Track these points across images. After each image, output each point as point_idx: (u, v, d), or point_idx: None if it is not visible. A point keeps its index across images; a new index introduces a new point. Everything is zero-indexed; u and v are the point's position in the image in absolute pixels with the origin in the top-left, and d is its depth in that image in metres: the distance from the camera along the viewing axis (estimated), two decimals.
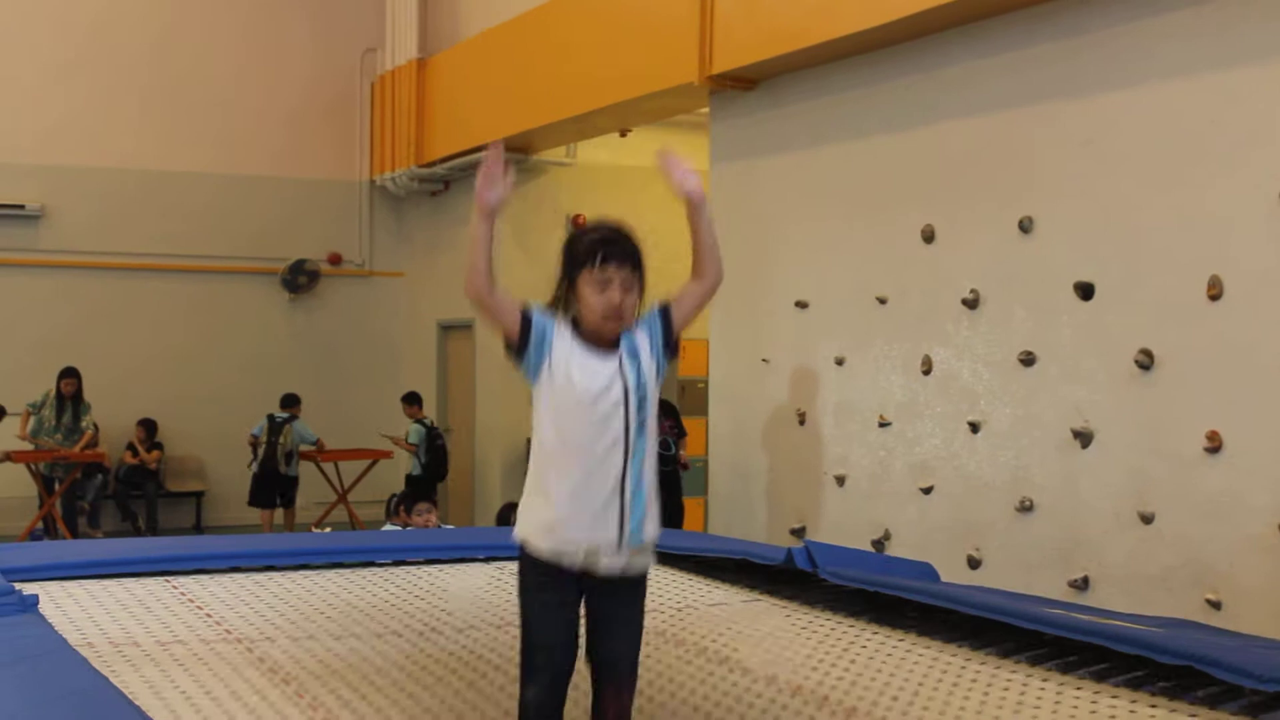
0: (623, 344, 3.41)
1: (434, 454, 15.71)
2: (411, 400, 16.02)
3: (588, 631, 3.41)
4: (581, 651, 3.40)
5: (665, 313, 3.49)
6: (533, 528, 3.37)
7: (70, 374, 15.17)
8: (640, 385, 3.38)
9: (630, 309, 3.41)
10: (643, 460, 3.37)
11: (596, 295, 3.37)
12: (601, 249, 3.40)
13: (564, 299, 3.46)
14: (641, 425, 3.37)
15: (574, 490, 3.31)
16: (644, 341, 3.44)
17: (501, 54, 14.75)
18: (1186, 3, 8.08)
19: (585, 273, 3.40)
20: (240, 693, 3.98)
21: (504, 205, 3.49)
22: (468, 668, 4.45)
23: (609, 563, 3.33)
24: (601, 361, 3.37)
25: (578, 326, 3.42)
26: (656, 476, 3.43)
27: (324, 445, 15.77)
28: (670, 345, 3.49)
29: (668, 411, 10.61)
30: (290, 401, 15.65)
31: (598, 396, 3.34)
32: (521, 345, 3.44)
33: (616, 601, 3.39)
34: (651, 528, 3.39)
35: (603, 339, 3.40)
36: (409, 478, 15.47)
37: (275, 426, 15.40)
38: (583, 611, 3.41)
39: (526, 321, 3.42)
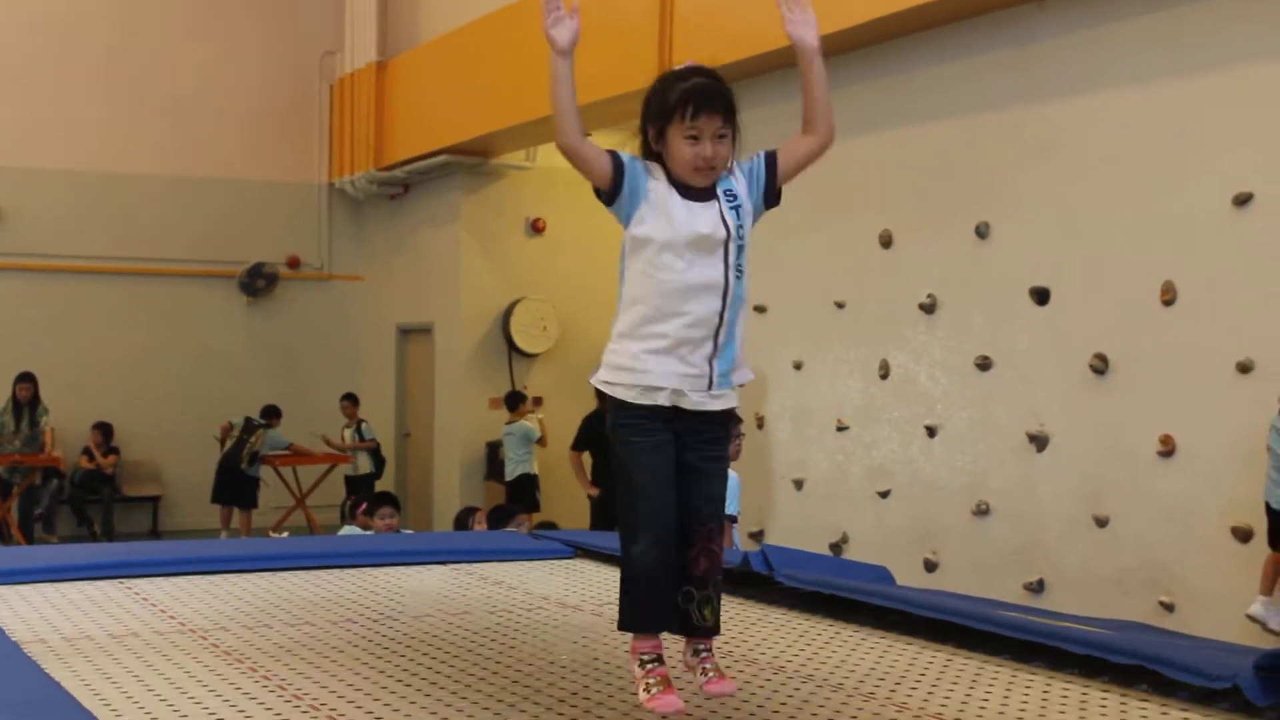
0: (720, 189, 3.33)
1: (375, 452, 15.88)
2: (355, 400, 16.06)
3: (678, 482, 3.32)
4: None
5: (771, 160, 3.40)
6: (621, 370, 3.30)
7: (26, 379, 15.10)
8: (740, 230, 3.32)
9: (723, 159, 3.31)
10: (740, 307, 3.32)
11: (687, 147, 3.28)
12: (694, 99, 3.29)
13: (653, 149, 3.36)
14: (740, 271, 3.31)
15: (672, 332, 3.25)
16: (743, 186, 3.37)
17: (461, 57, 14.75)
18: (1144, 10, 8.18)
19: (676, 124, 3.29)
20: (195, 673, 3.99)
21: (575, 40, 3.33)
22: (425, 644, 4.46)
23: (695, 401, 3.28)
24: (701, 205, 3.30)
25: (669, 173, 3.33)
26: (745, 326, 3.39)
27: (298, 449, 15.74)
28: (772, 194, 3.41)
29: None
30: (271, 413, 15.68)
31: (699, 239, 3.27)
32: (614, 189, 3.32)
33: (703, 445, 3.33)
34: (740, 374, 3.36)
35: (697, 185, 3.31)
36: (360, 478, 15.41)
37: (250, 426, 15.37)
38: None
39: (619, 165, 3.31)
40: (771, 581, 5.57)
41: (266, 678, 3.95)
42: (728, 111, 3.32)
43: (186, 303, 17.42)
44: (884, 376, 9.84)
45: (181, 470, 16.89)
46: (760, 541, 9.91)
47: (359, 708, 3.61)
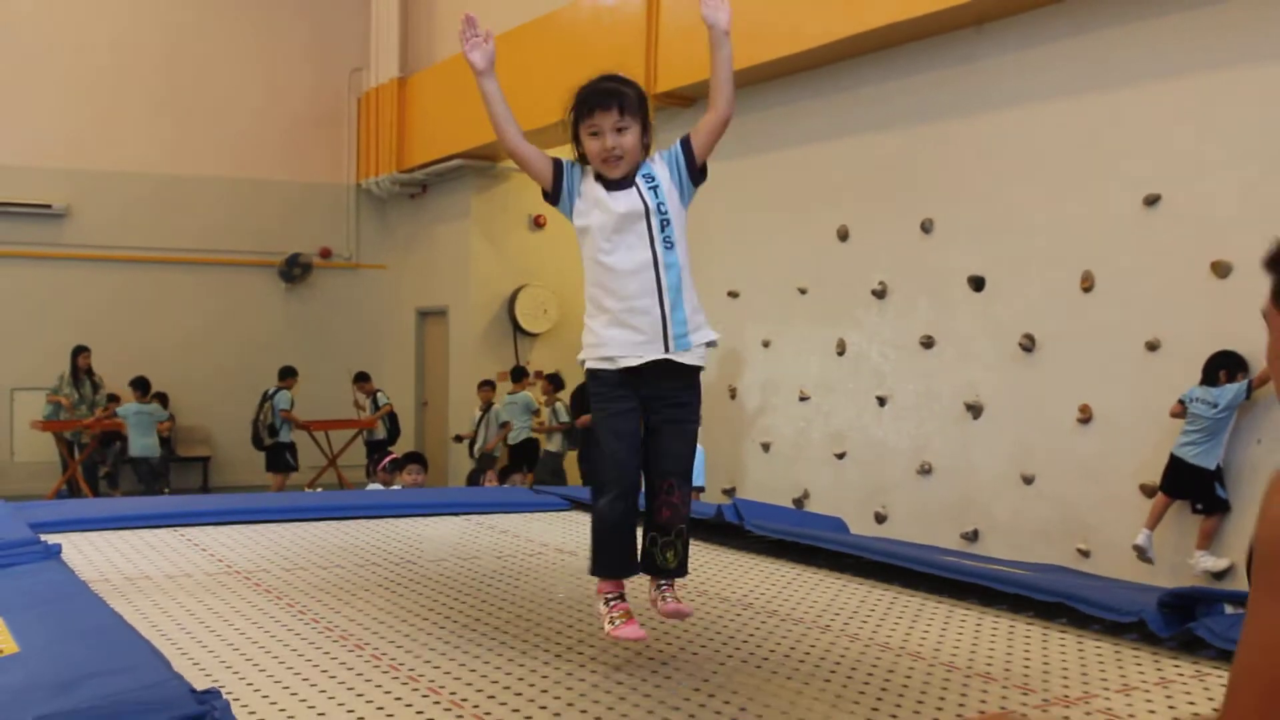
0: (639, 175, 3.29)
1: (391, 419, 15.67)
2: (367, 378, 15.78)
3: (645, 442, 3.30)
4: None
5: (686, 142, 3.35)
6: (589, 347, 3.31)
7: (84, 349, 15.11)
8: (660, 205, 3.27)
9: (628, 147, 3.27)
10: (678, 272, 3.26)
11: (592, 142, 3.28)
12: (587, 100, 3.29)
13: (577, 153, 3.37)
14: (668, 240, 3.26)
15: (616, 307, 3.24)
16: (663, 170, 3.32)
17: (472, 74, 14.67)
18: (1067, 33, 8.18)
19: (581, 126, 3.29)
20: (240, 608, 4.02)
21: (491, 61, 3.40)
22: (440, 584, 4.49)
23: (658, 361, 3.25)
24: (621, 191, 3.27)
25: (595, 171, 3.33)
26: (693, 287, 3.32)
27: (295, 418, 15.30)
28: (694, 171, 3.33)
29: None
30: (285, 374, 15.27)
31: (621, 218, 3.24)
32: (556, 189, 3.33)
33: (666, 407, 3.30)
34: (698, 334, 3.30)
35: (611, 176, 3.29)
36: (375, 442, 15.22)
37: (261, 403, 15.10)
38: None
39: (558, 168, 3.33)
40: (742, 530, 5.60)
41: (302, 612, 3.97)
42: (622, 106, 3.27)
43: (232, 289, 17.38)
44: (841, 354, 9.86)
45: (229, 434, 16.87)
46: (732, 497, 9.93)
47: (381, 637, 3.64)
